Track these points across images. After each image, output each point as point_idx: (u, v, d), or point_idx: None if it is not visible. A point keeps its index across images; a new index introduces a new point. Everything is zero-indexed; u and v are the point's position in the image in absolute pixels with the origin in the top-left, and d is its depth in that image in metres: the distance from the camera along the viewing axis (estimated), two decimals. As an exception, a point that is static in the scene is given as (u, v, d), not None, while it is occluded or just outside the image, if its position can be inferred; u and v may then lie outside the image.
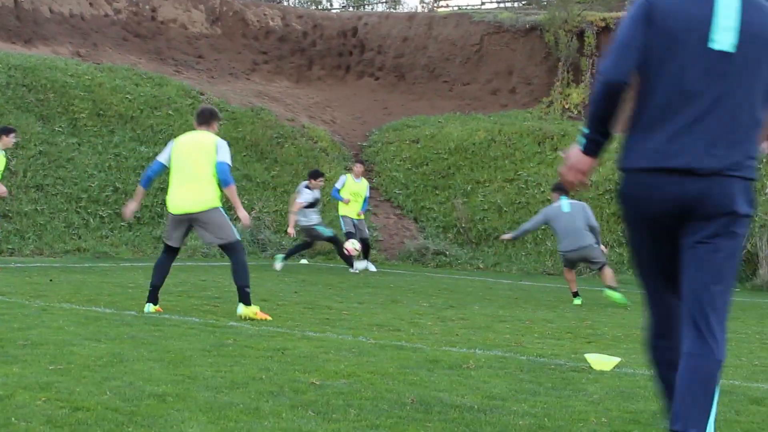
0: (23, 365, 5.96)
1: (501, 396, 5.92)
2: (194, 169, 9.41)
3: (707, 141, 4.02)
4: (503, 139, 25.54)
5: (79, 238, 18.01)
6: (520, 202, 22.95)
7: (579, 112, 27.43)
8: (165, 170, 9.76)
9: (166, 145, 9.95)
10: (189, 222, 9.53)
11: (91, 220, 18.80)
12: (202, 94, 25.47)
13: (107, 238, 18.44)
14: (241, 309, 9.34)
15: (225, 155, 9.46)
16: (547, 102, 28.70)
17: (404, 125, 28.10)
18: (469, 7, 36.25)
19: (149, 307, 9.36)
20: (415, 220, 23.90)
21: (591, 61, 28.51)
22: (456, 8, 36.65)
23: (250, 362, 6.62)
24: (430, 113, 29.17)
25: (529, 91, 29.65)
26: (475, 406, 5.55)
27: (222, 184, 9.46)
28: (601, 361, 7.28)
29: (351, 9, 38.96)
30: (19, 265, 14.62)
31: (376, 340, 8.19)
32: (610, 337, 9.49)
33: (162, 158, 9.71)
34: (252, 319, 9.16)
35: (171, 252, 9.68)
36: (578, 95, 28.16)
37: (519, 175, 24.12)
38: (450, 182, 24.31)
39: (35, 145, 19.92)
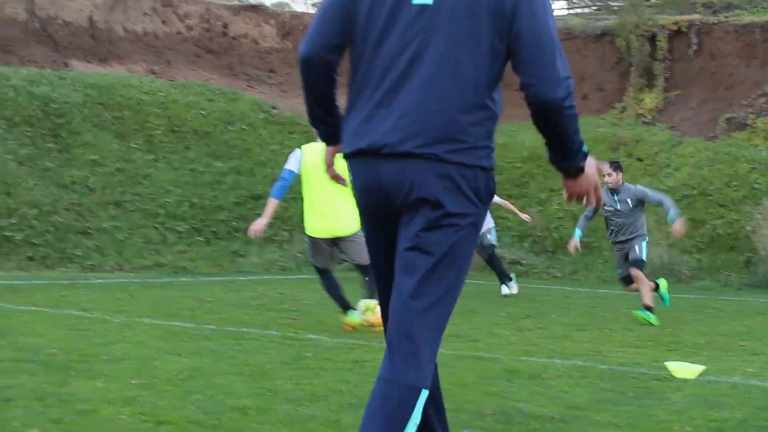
0: (107, 380, 6.04)
1: (582, 406, 5.86)
2: (332, 188, 8.92)
3: (399, 114, 3.29)
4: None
5: (158, 253, 18.24)
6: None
7: (653, 117, 27.14)
8: (297, 179, 9.68)
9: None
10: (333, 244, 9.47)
11: (169, 236, 19.03)
12: (274, 108, 25.67)
13: (185, 253, 18.65)
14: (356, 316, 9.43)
15: None
16: (620, 108, 28.44)
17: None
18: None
19: (354, 315, 9.44)
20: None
21: (663, 65, 28.20)
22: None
23: (329, 375, 6.65)
24: (502, 122, 28.94)
25: (601, 97, 29.40)
26: (556, 417, 5.50)
27: None
28: (684, 369, 7.18)
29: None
30: (100, 281, 14.84)
31: (454, 350, 8.17)
32: (691, 345, 9.35)
33: (294, 167, 9.51)
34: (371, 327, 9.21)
35: (325, 271, 9.61)
36: (651, 100, 27.86)
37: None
38: (524, 191, 24.20)
39: (113, 162, 20.23)
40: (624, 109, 28.25)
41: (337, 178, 3.82)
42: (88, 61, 26.54)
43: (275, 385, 6.12)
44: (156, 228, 19.05)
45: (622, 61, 29.17)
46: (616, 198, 11.82)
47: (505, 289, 15.06)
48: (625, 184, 11.90)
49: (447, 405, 5.70)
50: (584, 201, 3.50)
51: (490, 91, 3.40)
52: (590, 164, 3.44)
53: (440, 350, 8.02)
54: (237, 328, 9.19)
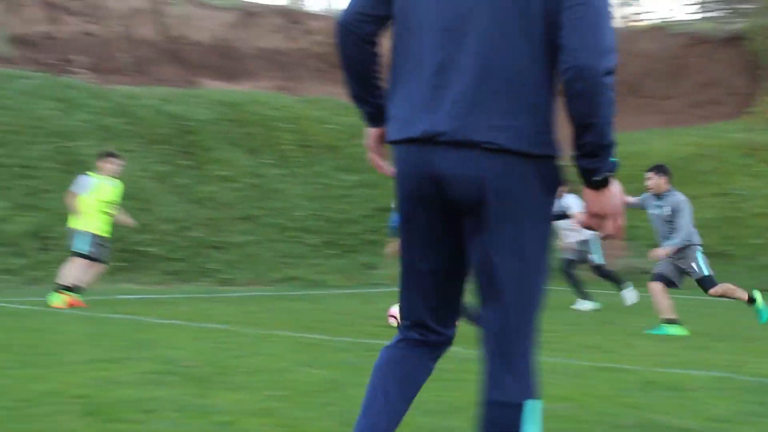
0: (245, 392, 6.13)
1: (724, 418, 5.72)
2: None
3: (454, 98, 2.93)
4: (709, 153, 24.85)
5: (290, 266, 18.48)
6: (730, 217, 22.23)
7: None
8: None
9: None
10: None
11: (301, 249, 19.26)
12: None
13: (318, 266, 18.84)
14: None
15: None
16: (752, 112, 27.75)
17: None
18: (666, 20, 35.51)
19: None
20: (624, 238, 23.48)
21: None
22: (654, 21, 35.97)
23: (469, 386, 6.60)
24: (632, 129, 28.66)
25: (733, 102, 28.77)
26: (697, 429, 5.38)
27: None
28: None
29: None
30: (235, 294, 15.10)
31: (590, 362, 8.06)
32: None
33: None
34: None
35: None
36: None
37: (728, 189, 23.38)
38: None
39: (244, 177, 20.59)
40: (757, 113, 27.57)
41: (380, 167, 3.42)
42: (218, 79, 27.09)
43: (412, 397, 6.11)
44: (288, 242, 19.31)
45: (753, 65, 28.50)
46: (655, 203, 11.44)
47: (582, 305, 14.54)
48: (672, 190, 11.44)
49: (584, 417, 5.63)
50: (600, 229, 3.00)
51: (550, 67, 2.96)
52: (616, 185, 2.96)
53: (574, 361, 7.97)
54: (371, 340, 9.22)
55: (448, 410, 5.73)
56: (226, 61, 28.27)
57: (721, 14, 35.41)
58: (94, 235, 12.51)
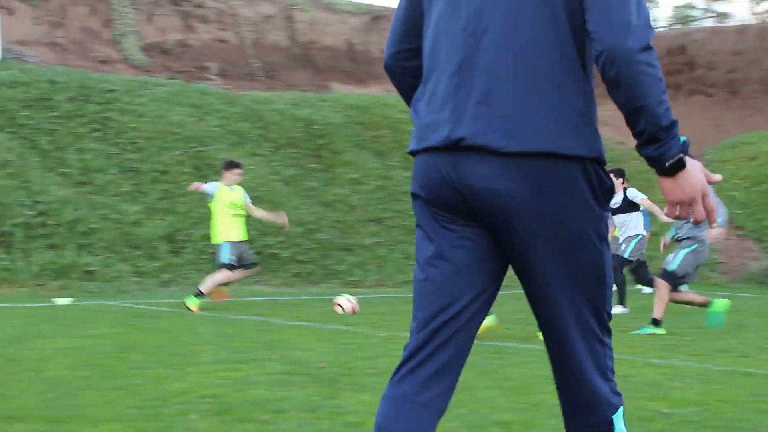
0: (372, 393, 6.17)
1: None
2: None
3: (478, 99, 2.67)
4: None
5: (418, 268, 18.54)
6: None
7: None
8: None
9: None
10: None
11: (428, 251, 19.32)
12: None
13: (444, 268, 18.85)
14: None
15: None
16: None
17: (740, 142, 27.06)
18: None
19: None
20: (758, 240, 22.92)
21: None
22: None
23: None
24: (767, 128, 27.93)
25: None
26: (836, 437, 5.22)
27: None
28: None
29: (678, 26, 38.00)
30: (362, 296, 15.22)
31: (722, 366, 7.89)
32: None
33: None
34: None
35: None
36: None
37: None
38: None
39: (372, 180, 20.73)
40: None
41: None
42: (347, 83, 27.35)
43: (538, 400, 6.09)
44: (414, 244, 19.38)
45: None
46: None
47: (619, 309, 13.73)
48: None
49: (716, 423, 5.51)
50: (691, 215, 2.69)
51: (582, 56, 2.71)
52: (695, 164, 2.66)
53: (706, 365, 7.80)
54: (498, 343, 9.20)
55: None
56: (355, 65, 28.53)
57: None
58: (232, 244, 12.76)
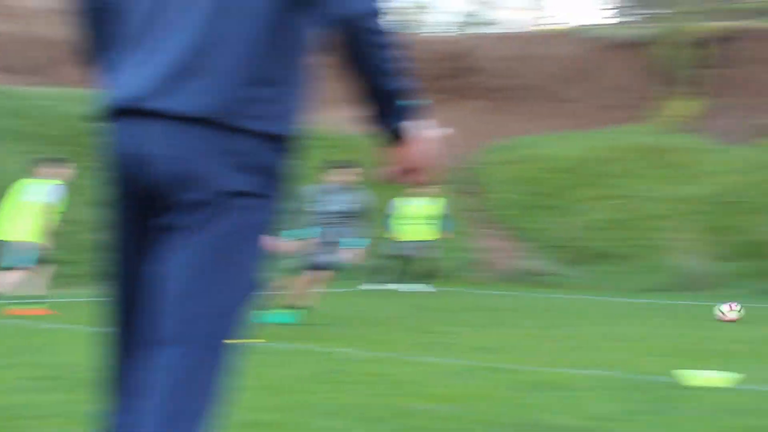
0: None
1: (607, 416, 5.87)
2: None
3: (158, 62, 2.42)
4: (616, 156, 25.33)
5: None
6: (634, 219, 22.69)
7: (695, 124, 27.04)
8: None
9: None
10: None
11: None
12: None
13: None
14: None
15: None
16: (659, 116, 28.33)
17: (516, 145, 28.00)
18: (576, 24, 36.04)
19: None
20: (527, 240, 23.76)
21: (707, 72, 28.05)
22: (563, 25, 36.48)
23: (354, 388, 6.68)
24: (540, 132, 29.00)
25: (639, 106, 29.29)
26: (585, 428, 5.51)
27: None
28: (709, 378, 7.18)
29: (458, 31, 38.91)
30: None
31: (483, 362, 8.18)
32: (717, 353, 9.33)
33: None
34: None
35: None
36: (691, 108, 27.71)
37: (628, 191, 23.86)
38: (562, 201, 24.15)
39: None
40: (664, 117, 28.16)
41: None
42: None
43: (299, 400, 6.14)
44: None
45: (661, 70, 29.08)
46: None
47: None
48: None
49: (475, 418, 5.73)
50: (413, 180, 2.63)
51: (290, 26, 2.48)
52: (424, 126, 2.60)
53: (465, 362, 8.07)
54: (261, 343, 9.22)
55: (336, 411, 5.77)
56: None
57: (632, 19, 36.04)
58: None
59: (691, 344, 10.05)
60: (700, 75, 28.11)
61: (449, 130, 10.42)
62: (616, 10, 38.61)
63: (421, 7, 40.17)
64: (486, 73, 31.94)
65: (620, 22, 35.34)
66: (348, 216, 11.40)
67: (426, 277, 18.29)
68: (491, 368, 7.86)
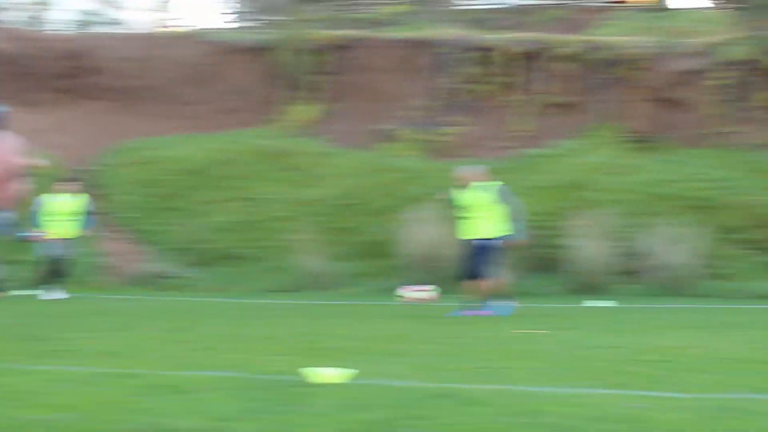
0: None
1: (228, 417, 5.87)
2: None
3: None
4: (236, 159, 25.61)
5: None
6: (258, 221, 23.01)
7: (310, 129, 27.82)
8: None
9: None
10: None
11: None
12: None
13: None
14: None
15: None
16: (279, 120, 28.94)
17: (136, 147, 27.66)
18: (199, 27, 36.01)
19: None
20: (149, 243, 23.52)
21: (321, 78, 28.97)
22: (186, 28, 36.34)
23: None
24: (161, 134, 28.80)
25: (261, 110, 29.79)
26: (201, 429, 5.49)
27: None
28: (329, 374, 7.37)
29: (77, 29, 37.77)
30: None
31: (102, 368, 7.97)
32: (337, 349, 9.62)
33: None
34: None
35: None
36: (309, 112, 28.52)
37: (251, 193, 24.17)
38: (183, 203, 24.13)
39: None
40: (284, 121, 28.75)
41: None
42: None
43: None
44: None
45: (282, 75, 29.67)
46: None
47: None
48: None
49: (92, 425, 5.55)
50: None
51: None
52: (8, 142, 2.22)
53: (86, 369, 7.86)
54: None
55: None
56: None
57: (250, 24, 36.44)
58: None
59: (313, 342, 10.29)
60: (319, 81, 28.99)
61: (44, 162, 10.48)
62: (237, 15, 38.99)
63: (42, 3, 38.74)
64: (108, 74, 31.26)
65: (242, 27, 35.69)
66: None
67: (56, 280, 17.73)
68: (115, 374, 7.67)
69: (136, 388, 6.92)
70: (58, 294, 17.53)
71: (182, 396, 6.62)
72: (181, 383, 7.15)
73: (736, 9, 30.20)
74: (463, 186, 14.48)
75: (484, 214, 14.05)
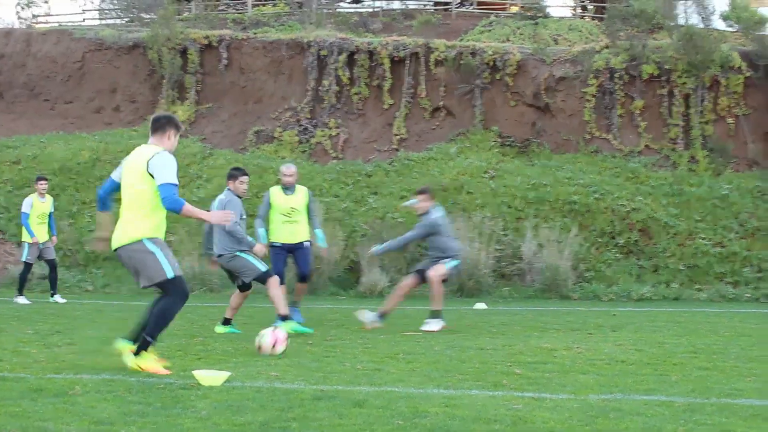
0: None
1: (109, 420, 5.86)
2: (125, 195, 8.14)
3: None
4: (109, 159, 25.24)
5: None
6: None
7: (185, 129, 27.58)
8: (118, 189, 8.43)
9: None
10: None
11: None
12: None
13: None
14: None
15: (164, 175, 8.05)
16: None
17: (4, 146, 27.07)
18: (69, 24, 35.36)
19: None
20: (18, 244, 23.02)
21: (195, 78, 28.83)
22: (56, 24, 35.65)
23: None
24: (30, 133, 28.27)
25: (133, 109, 29.44)
26: (82, 433, 5.47)
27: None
28: (210, 377, 7.38)
29: None
30: None
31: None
32: (220, 352, 9.63)
33: (114, 175, 8.61)
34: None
35: None
36: (183, 112, 28.30)
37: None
38: (59, 203, 23.67)
39: None
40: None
41: None
42: None
43: None
44: None
45: (154, 74, 29.39)
46: None
47: None
48: None
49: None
50: None
51: None
52: None
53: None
54: None
55: None
56: None
57: (123, 22, 35.94)
58: None
59: (198, 344, 10.25)
60: (194, 81, 28.91)
61: None
62: (103, 12, 38.44)
63: None
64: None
65: (115, 25, 35.18)
66: None
67: None
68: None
69: (11, 392, 6.83)
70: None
71: (61, 399, 6.57)
72: (59, 386, 7.08)
73: (602, 19, 31.09)
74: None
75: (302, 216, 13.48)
